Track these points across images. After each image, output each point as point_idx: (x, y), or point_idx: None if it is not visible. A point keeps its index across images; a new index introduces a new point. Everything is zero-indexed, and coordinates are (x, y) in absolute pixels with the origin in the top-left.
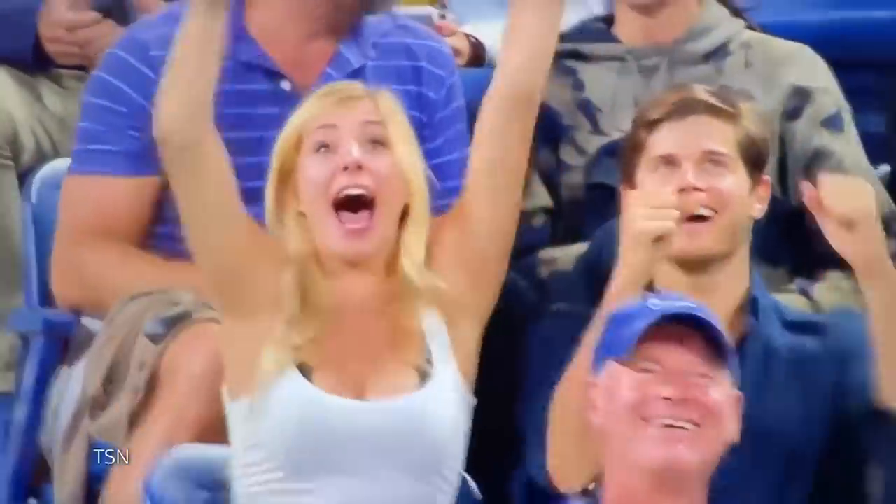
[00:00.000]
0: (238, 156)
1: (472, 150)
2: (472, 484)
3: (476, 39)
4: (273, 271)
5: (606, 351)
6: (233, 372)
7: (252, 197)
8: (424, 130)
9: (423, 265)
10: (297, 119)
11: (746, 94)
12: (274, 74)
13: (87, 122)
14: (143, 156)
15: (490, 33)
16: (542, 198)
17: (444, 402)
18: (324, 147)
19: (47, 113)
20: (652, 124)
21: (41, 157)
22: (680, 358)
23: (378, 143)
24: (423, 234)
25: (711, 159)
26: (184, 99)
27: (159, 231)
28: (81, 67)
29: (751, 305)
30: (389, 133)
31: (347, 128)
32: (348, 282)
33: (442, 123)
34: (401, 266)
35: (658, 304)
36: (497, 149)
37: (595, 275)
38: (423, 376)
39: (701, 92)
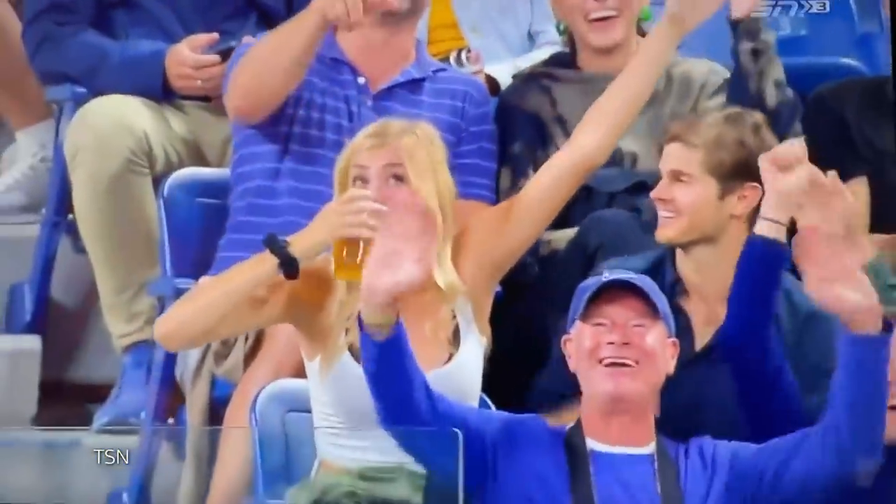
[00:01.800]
0: (329, 115)
1: (530, 184)
2: (489, 402)
3: (492, 77)
4: (326, 296)
5: (573, 313)
6: (304, 344)
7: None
8: (462, 134)
9: (450, 272)
10: (348, 150)
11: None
12: (354, 71)
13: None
14: None
15: (498, 70)
16: None
17: (468, 366)
18: (359, 180)
19: (174, 133)
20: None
21: (170, 167)
22: (622, 313)
23: (398, 178)
24: (446, 246)
25: (677, 178)
26: (186, 333)
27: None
28: (200, 98)
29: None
30: (408, 171)
31: (374, 169)
32: None
33: (473, 135)
34: (433, 277)
35: (607, 276)
36: (551, 195)
37: (583, 253)
38: (451, 352)
39: (676, 125)
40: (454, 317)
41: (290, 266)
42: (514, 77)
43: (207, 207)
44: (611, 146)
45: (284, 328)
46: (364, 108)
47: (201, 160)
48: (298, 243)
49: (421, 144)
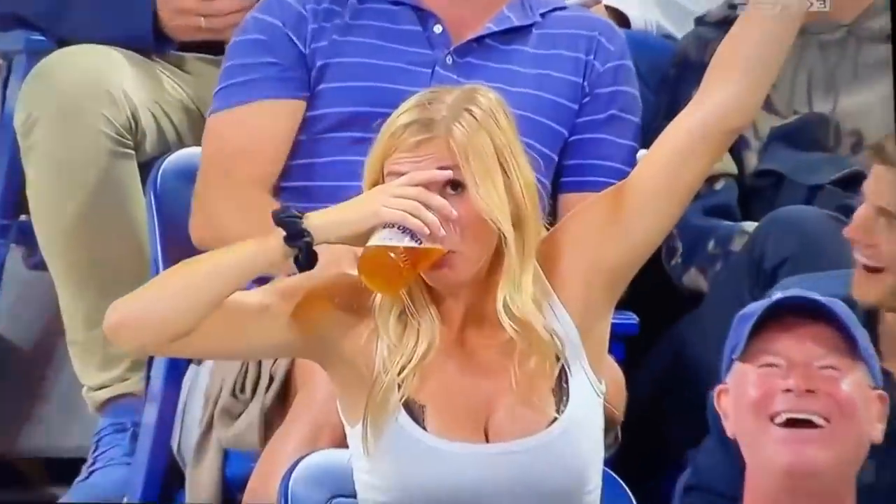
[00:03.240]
0: (384, 81)
1: (646, 160)
2: (620, 481)
3: (619, 11)
4: (349, 324)
5: (731, 352)
6: (340, 398)
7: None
8: (585, 99)
9: (521, 301)
10: (382, 144)
11: None
12: (428, 17)
13: (229, 60)
14: (281, 80)
15: (628, 4)
16: (728, 164)
17: (579, 429)
18: None
19: (169, 99)
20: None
21: (164, 147)
22: (802, 349)
23: (454, 185)
24: (517, 269)
25: (885, 215)
26: (144, 324)
27: (283, 186)
28: (206, 48)
29: None
30: (464, 175)
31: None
32: (448, 306)
33: (601, 99)
34: (497, 311)
35: (778, 296)
36: (678, 174)
37: (756, 268)
38: (559, 397)
39: (890, 138)
40: (557, 359)
41: (298, 241)
42: (699, 22)
43: None
44: (752, 101)
45: (321, 375)
46: (440, 67)
47: None
48: (317, 217)
49: (480, 128)
